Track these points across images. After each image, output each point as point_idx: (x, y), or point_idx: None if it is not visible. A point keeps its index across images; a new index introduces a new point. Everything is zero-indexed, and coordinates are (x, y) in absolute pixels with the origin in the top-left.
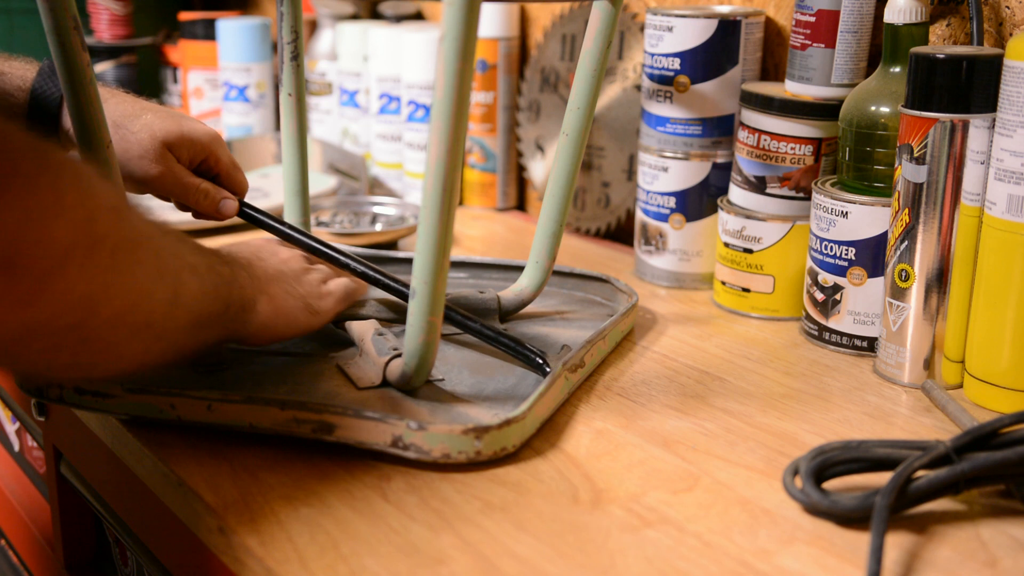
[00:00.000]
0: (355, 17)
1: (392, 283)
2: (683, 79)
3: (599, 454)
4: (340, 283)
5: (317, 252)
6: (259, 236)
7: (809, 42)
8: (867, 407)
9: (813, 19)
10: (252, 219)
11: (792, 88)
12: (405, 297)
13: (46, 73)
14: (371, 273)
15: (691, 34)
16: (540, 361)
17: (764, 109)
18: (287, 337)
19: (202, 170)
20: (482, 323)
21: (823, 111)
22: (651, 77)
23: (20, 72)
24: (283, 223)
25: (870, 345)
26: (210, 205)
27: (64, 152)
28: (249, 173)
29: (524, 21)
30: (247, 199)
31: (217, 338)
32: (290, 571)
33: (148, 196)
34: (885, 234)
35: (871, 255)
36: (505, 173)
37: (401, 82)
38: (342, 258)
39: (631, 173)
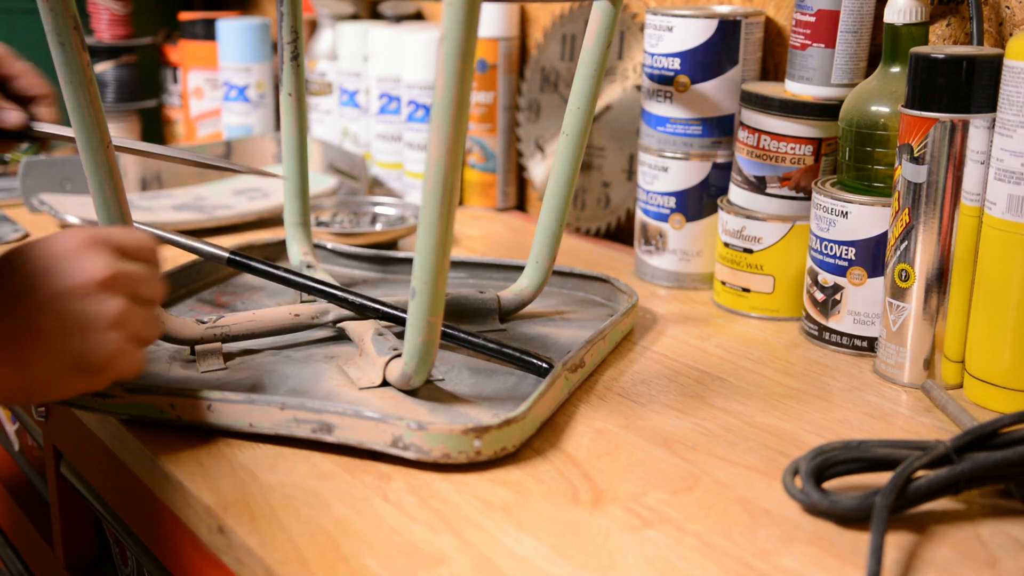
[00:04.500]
0: (355, 17)
1: (390, 311)
2: (683, 79)
3: (599, 454)
4: (138, 322)
5: (307, 289)
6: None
7: (809, 42)
8: (867, 407)
9: (813, 19)
10: (243, 266)
11: (792, 88)
12: (402, 322)
13: None
14: (368, 304)
15: (691, 34)
16: (547, 367)
17: (764, 109)
18: (52, 400)
19: None
20: (484, 337)
21: (823, 111)
22: (651, 77)
23: None
24: (274, 265)
25: (870, 345)
26: None
27: None
28: None
29: (524, 21)
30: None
31: None
32: (290, 571)
33: (152, 195)
34: (885, 234)
35: (871, 255)
36: (505, 173)
37: (401, 82)
38: (335, 292)
39: (631, 173)
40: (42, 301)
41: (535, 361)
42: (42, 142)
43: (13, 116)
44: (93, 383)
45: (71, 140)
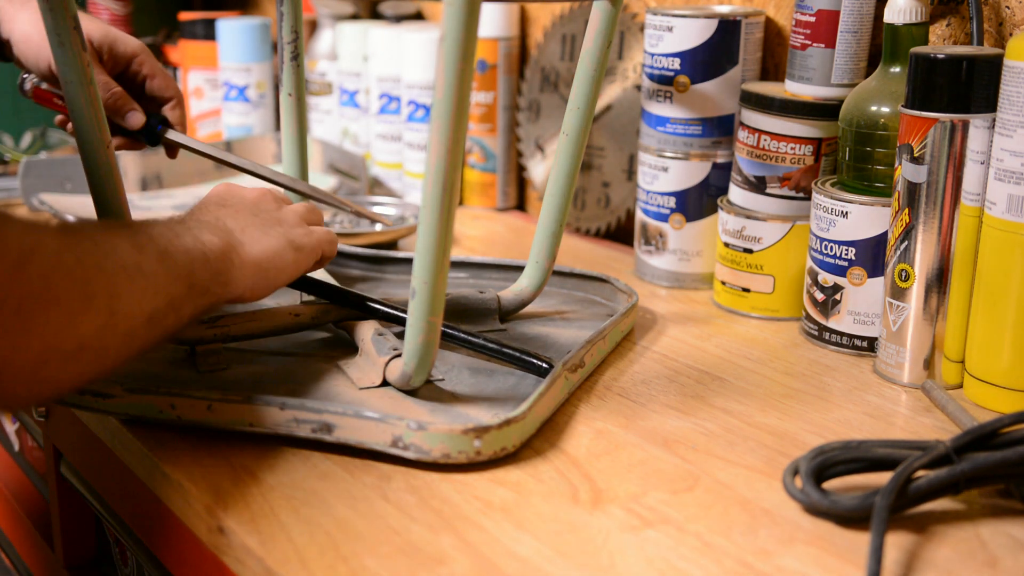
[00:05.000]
0: (355, 17)
1: (390, 311)
2: (683, 79)
3: (599, 454)
4: (320, 228)
5: (307, 289)
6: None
7: (809, 42)
8: (867, 407)
9: (813, 19)
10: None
11: (792, 88)
12: (402, 322)
13: None
14: (368, 304)
15: (691, 34)
16: (547, 367)
17: (764, 109)
18: (281, 282)
19: (129, 75)
20: (484, 337)
21: (823, 111)
22: (651, 77)
23: None
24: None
25: (870, 345)
26: (116, 111)
27: None
28: None
29: (524, 21)
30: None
31: (195, 313)
32: (290, 571)
33: (152, 195)
34: (885, 234)
35: (871, 255)
36: (505, 173)
37: (401, 82)
38: (335, 292)
39: (631, 173)
40: (238, 209)
41: (535, 361)
42: (167, 147)
43: (137, 119)
44: (306, 258)
45: (194, 151)
